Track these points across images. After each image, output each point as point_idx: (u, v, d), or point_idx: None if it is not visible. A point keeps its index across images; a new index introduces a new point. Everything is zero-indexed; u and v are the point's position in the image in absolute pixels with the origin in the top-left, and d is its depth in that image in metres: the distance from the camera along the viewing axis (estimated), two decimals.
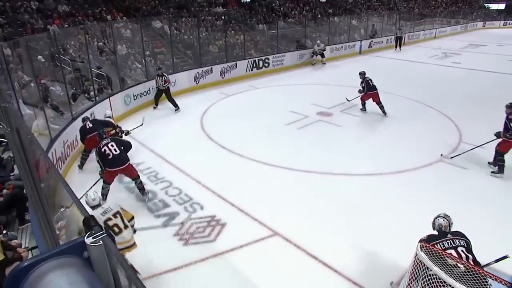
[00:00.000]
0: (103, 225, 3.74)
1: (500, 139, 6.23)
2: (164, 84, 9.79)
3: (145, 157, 7.11)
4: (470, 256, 3.21)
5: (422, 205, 5.10)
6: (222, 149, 7.48)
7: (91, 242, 0.82)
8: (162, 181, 6.19)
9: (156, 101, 10.24)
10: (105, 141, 5.42)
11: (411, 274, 3.10)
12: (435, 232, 3.45)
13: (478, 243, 3.45)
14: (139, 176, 5.64)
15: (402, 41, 21.35)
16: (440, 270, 2.77)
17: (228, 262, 4.31)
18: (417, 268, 3.02)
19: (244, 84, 13.04)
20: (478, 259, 3.26)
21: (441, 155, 7.02)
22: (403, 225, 4.80)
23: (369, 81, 9.20)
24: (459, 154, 6.80)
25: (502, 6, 38.80)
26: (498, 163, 6.25)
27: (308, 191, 5.92)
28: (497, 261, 3.52)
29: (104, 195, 5.38)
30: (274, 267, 4.24)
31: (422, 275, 2.99)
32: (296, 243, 4.58)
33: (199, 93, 11.83)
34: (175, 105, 9.89)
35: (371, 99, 9.28)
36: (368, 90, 9.17)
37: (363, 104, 9.71)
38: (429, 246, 3.01)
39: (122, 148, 5.48)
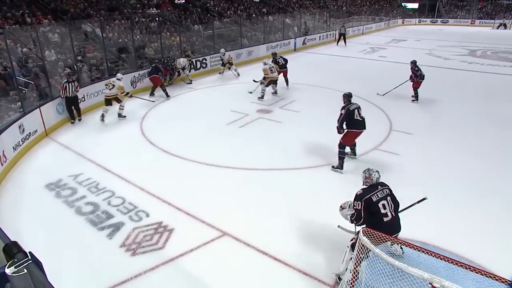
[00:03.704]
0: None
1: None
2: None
3: (84, 168, 6.66)
4: (393, 205, 3.77)
5: None
6: (164, 153, 7.27)
7: (14, 272, 0.70)
8: (104, 191, 5.86)
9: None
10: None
11: (356, 257, 3.27)
12: (365, 186, 3.90)
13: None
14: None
15: (344, 37, 22.47)
16: (381, 251, 2.96)
17: (179, 268, 4.21)
18: (361, 252, 3.19)
19: (183, 86, 12.79)
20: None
21: (377, 93, 10.62)
22: None
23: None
24: (390, 91, 9.65)
25: (415, 5, 43.65)
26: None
27: (253, 188, 5.98)
28: (417, 203, 4.18)
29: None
30: (226, 267, 4.22)
31: (365, 257, 3.19)
32: (245, 241, 4.60)
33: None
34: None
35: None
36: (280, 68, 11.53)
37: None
38: (370, 230, 3.19)
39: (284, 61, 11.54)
